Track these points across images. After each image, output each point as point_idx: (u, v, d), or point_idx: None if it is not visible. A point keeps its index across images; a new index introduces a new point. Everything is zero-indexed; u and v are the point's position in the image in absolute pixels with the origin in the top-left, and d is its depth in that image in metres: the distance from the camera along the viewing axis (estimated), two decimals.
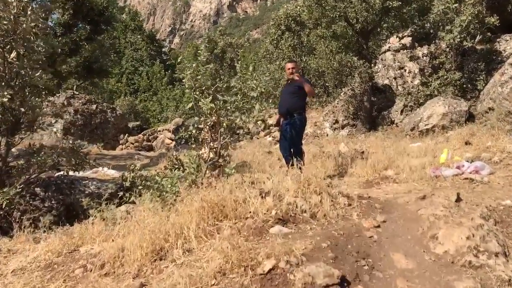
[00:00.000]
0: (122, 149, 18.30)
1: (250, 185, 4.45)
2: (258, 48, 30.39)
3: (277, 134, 12.77)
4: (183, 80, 5.64)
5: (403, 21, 13.45)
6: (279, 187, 4.18)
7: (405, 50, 14.87)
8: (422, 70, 13.88)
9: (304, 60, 18.18)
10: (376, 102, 14.67)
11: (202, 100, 5.52)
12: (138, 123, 21.96)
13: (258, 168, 7.78)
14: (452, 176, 5.86)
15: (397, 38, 15.48)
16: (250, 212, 3.74)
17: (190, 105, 5.77)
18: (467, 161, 6.26)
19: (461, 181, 5.61)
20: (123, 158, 10.43)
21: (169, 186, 4.86)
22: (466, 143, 7.78)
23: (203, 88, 5.69)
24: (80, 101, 18.54)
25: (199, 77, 5.72)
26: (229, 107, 5.61)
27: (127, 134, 19.04)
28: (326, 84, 17.72)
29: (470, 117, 11.02)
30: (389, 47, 15.63)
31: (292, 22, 18.13)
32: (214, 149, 5.71)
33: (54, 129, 18.36)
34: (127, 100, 28.46)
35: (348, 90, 14.21)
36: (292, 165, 6.49)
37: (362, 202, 4.09)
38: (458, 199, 4.07)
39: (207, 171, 5.66)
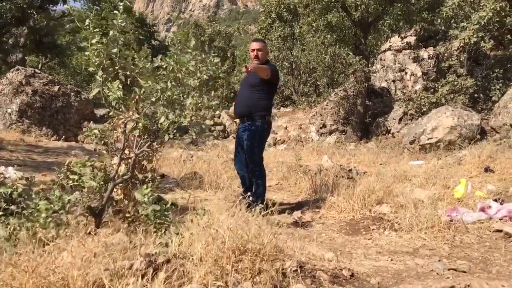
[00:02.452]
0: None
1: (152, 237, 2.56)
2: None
3: None
4: (86, 53, 3.72)
5: (409, 15, 11.53)
6: (194, 250, 2.29)
7: (408, 50, 13.05)
8: (425, 74, 12.07)
9: (295, 53, 16.25)
10: (371, 106, 12.81)
11: (108, 84, 3.61)
12: (108, 110, 19.74)
13: (211, 183, 5.85)
14: (476, 222, 4.02)
15: (400, 38, 13.67)
16: None
17: (95, 91, 3.82)
18: (495, 200, 4.41)
19: (491, 234, 3.76)
20: (57, 153, 8.45)
21: (43, 217, 2.94)
22: (486, 170, 5.93)
23: (117, 68, 3.79)
24: (41, 81, 16.40)
25: (115, 50, 3.83)
26: (154, 99, 3.71)
27: (91, 122, 16.91)
28: (317, 83, 15.85)
29: (482, 133, 9.27)
30: (390, 46, 13.80)
31: (284, 10, 16.11)
32: (128, 160, 3.77)
33: (9, 111, 16.33)
34: None
35: (340, 90, 12.33)
36: (249, 190, 4.58)
37: None
38: None
39: (118, 193, 3.77)
